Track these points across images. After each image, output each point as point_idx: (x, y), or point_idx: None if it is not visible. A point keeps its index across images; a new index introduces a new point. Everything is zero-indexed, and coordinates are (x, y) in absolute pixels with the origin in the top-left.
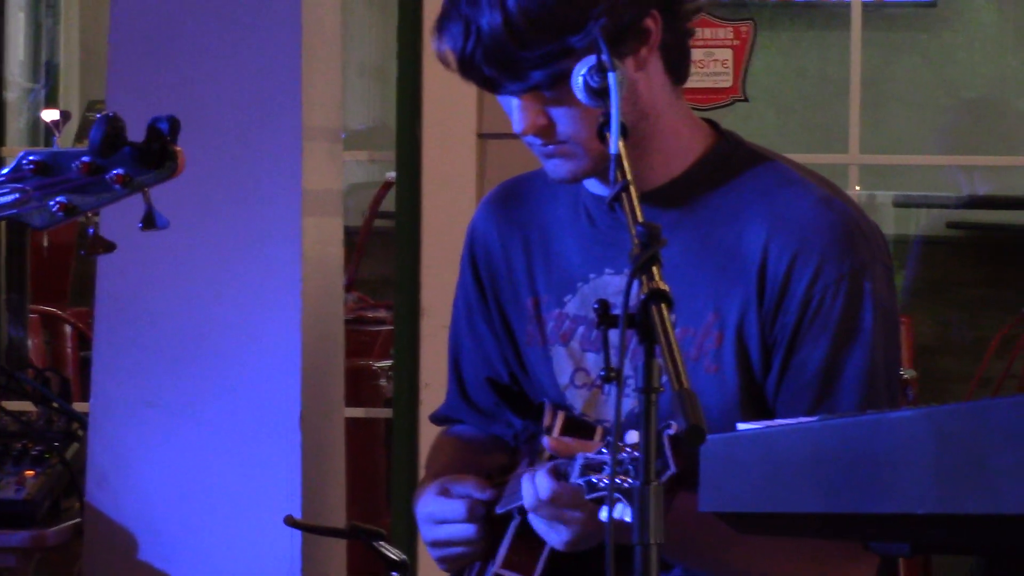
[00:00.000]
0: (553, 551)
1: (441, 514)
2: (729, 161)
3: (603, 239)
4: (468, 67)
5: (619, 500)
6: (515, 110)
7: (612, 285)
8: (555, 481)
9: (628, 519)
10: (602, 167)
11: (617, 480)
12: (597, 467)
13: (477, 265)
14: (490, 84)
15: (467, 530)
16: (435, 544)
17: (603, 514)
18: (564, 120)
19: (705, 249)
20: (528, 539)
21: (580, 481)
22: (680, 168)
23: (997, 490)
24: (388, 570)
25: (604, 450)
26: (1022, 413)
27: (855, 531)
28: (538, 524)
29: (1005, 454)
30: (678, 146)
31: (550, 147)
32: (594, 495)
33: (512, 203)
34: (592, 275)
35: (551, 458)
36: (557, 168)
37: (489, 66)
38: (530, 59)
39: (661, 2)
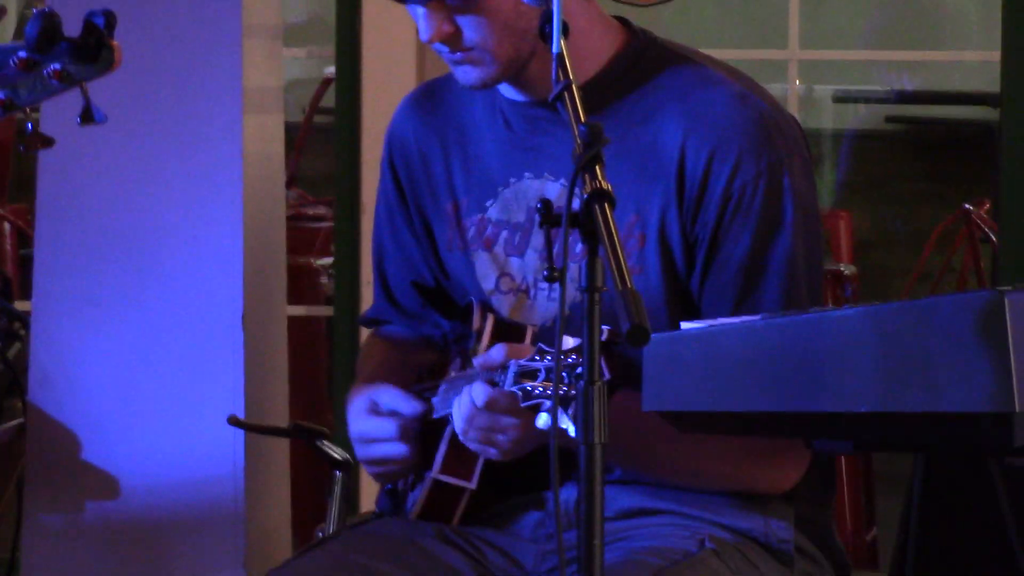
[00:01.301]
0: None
1: (372, 433)
2: (642, 60)
3: (521, 143)
4: None
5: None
6: (420, 19)
7: (532, 189)
8: (490, 388)
9: (564, 426)
10: (511, 73)
11: (553, 387)
12: (531, 374)
13: (396, 168)
14: None
15: (400, 449)
16: (369, 462)
17: (540, 420)
18: (470, 27)
19: (623, 150)
20: (461, 444)
21: (515, 389)
22: (593, 70)
23: (938, 388)
24: (331, 468)
25: (537, 357)
26: (962, 311)
27: (798, 430)
28: (471, 444)
29: (946, 352)
30: (589, 48)
31: (457, 54)
32: (530, 403)
33: (429, 106)
34: (512, 179)
35: (494, 360)
36: (466, 75)
37: None
38: None
39: None
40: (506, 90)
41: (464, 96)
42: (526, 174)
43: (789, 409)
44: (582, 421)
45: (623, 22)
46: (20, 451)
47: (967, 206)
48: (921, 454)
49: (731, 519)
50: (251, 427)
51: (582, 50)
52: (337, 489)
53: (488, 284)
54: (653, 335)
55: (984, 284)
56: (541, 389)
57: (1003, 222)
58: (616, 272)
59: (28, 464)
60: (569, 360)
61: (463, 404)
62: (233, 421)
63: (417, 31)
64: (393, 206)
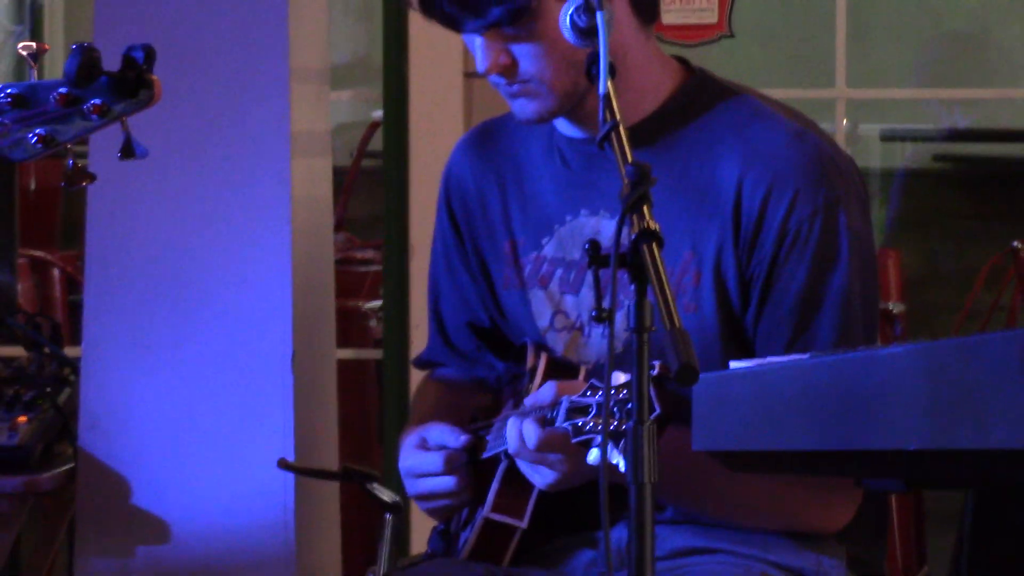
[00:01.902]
0: (542, 493)
1: (420, 467)
2: (700, 97)
3: (577, 180)
4: (428, 5)
5: (608, 443)
6: (478, 49)
7: (588, 227)
8: (540, 428)
9: (615, 461)
10: (568, 106)
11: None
12: (583, 410)
13: (453, 209)
14: (452, 23)
15: (447, 483)
16: (419, 498)
17: (591, 456)
18: (527, 58)
19: (680, 187)
20: (517, 482)
21: (566, 425)
22: (652, 106)
23: (988, 425)
24: (382, 511)
25: (589, 392)
26: (1012, 348)
27: (848, 468)
28: (523, 467)
29: (996, 389)
30: (649, 85)
31: (514, 86)
32: (580, 438)
33: (486, 145)
34: (568, 217)
35: (534, 407)
36: (523, 108)
37: (449, 3)
38: None
39: None
40: (563, 126)
41: (521, 135)
42: (583, 211)
43: (839, 448)
44: (632, 459)
45: (681, 61)
46: (70, 496)
47: (1016, 244)
48: (972, 492)
49: (784, 557)
50: (301, 470)
51: (641, 86)
52: (387, 532)
53: (543, 322)
54: (702, 374)
55: None
56: (592, 425)
57: None
58: (665, 312)
59: (78, 509)
60: (620, 396)
61: (511, 439)
62: (283, 464)
63: (463, 73)
64: (450, 246)
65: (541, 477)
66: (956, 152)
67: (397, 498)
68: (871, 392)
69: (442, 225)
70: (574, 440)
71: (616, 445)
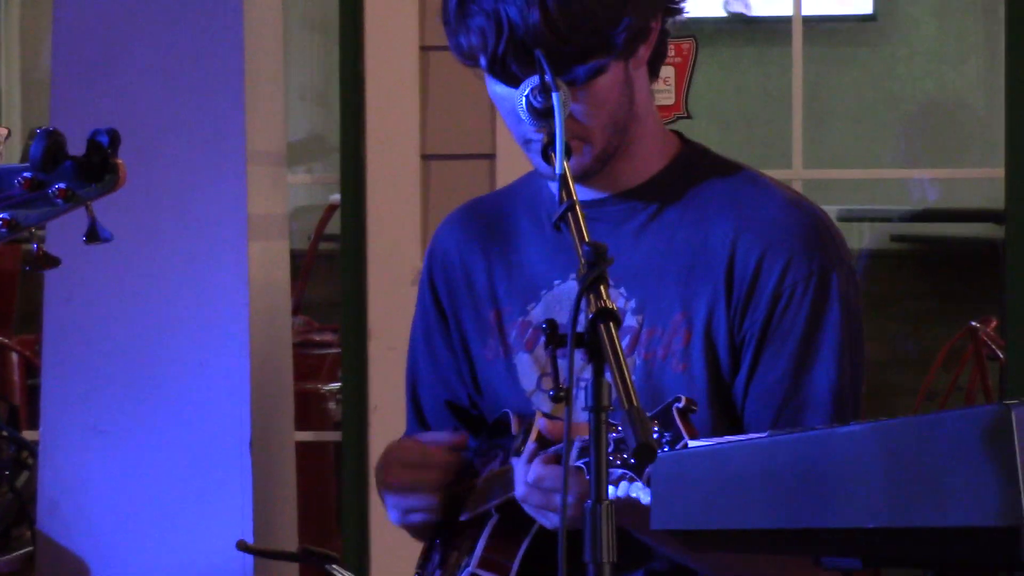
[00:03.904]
0: (528, 549)
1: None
2: (695, 166)
3: (568, 246)
4: (498, 64)
5: (626, 476)
6: (529, 98)
7: (575, 290)
8: (545, 468)
9: (635, 495)
10: (599, 167)
11: (618, 458)
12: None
13: (436, 286)
14: (514, 80)
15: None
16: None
17: (609, 491)
18: (580, 116)
19: (672, 251)
20: (504, 538)
21: (580, 463)
22: (651, 172)
23: (946, 503)
24: None
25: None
26: (969, 426)
27: (806, 546)
28: (530, 510)
29: (953, 467)
30: (655, 149)
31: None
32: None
33: (473, 221)
34: (557, 281)
35: (540, 445)
36: (545, 170)
37: (520, 63)
38: (570, 54)
39: (663, 3)
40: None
41: (508, 209)
42: (571, 275)
43: (796, 526)
44: (590, 539)
45: (677, 134)
46: None
47: (974, 324)
48: (931, 571)
49: None
50: (261, 552)
51: (651, 150)
52: None
53: (529, 384)
54: (662, 455)
55: (992, 401)
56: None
57: (1010, 340)
58: (622, 391)
59: None
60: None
61: (520, 481)
62: (242, 547)
63: (420, 155)
64: (431, 324)
65: (549, 520)
66: (914, 232)
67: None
68: (829, 470)
69: (424, 305)
70: (588, 476)
71: (639, 477)
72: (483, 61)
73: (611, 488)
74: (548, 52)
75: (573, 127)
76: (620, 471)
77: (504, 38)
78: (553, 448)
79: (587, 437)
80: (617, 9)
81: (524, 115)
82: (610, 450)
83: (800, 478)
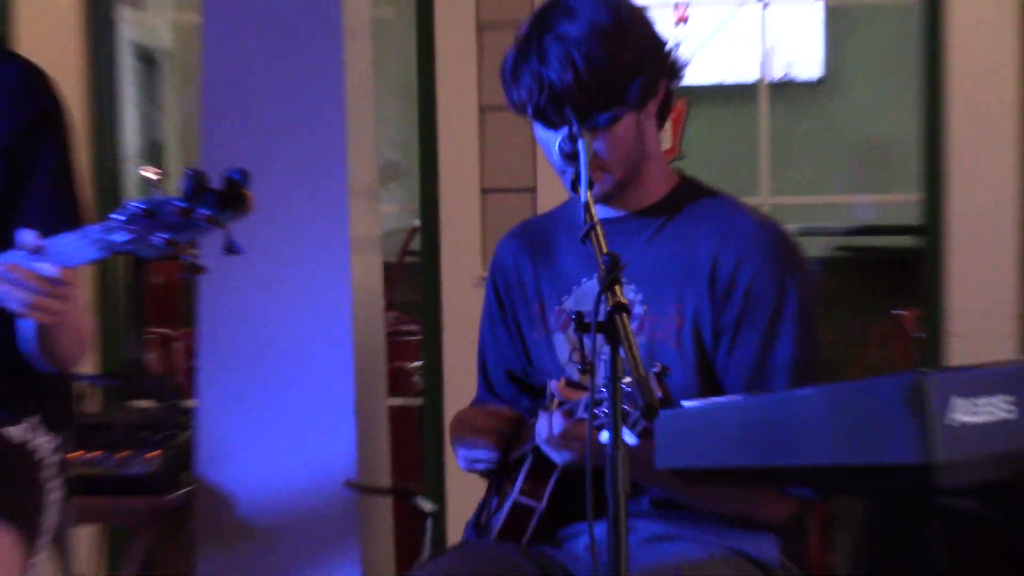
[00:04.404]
0: (557, 482)
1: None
2: (689, 193)
3: (592, 252)
4: (540, 113)
5: (628, 429)
6: (564, 147)
7: (581, 293)
8: (565, 419)
9: (627, 440)
10: (619, 191)
11: (608, 409)
12: (597, 403)
13: (497, 286)
14: (554, 125)
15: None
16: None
17: (603, 436)
18: (604, 150)
19: (671, 255)
20: (537, 474)
21: (583, 414)
22: (658, 196)
23: (878, 445)
24: (423, 519)
25: (603, 389)
26: (895, 389)
27: (773, 479)
28: (548, 450)
29: (883, 419)
30: (660, 180)
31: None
32: (597, 423)
33: (525, 236)
34: (584, 279)
35: (558, 404)
36: (577, 199)
37: (557, 112)
38: (594, 106)
39: (671, 70)
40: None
41: (548, 228)
42: (595, 275)
43: (765, 464)
44: (611, 476)
45: (677, 170)
46: (191, 512)
47: (899, 312)
48: (868, 499)
49: (734, 542)
50: (363, 488)
51: (657, 179)
52: (428, 533)
53: (563, 357)
54: (663, 412)
55: (912, 371)
56: (602, 416)
57: (927, 326)
58: (633, 364)
59: (197, 522)
60: (629, 389)
61: (541, 430)
62: (349, 484)
63: (480, 190)
64: (495, 315)
65: (561, 457)
66: (854, 244)
67: (435, 507)
68: (790, 422)
69: (488, 301)
70: (595, 424)
71: (630, 427)
72: (529, 110)
73: (605, 433)
74: (577, 104)
75: (596, 160)
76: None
77: (545, 94)
78: (564, 406)
79: (600, 393)
80: (631, 73)
81: (556, 157)
82: (606, 407)
83: (768, 428)
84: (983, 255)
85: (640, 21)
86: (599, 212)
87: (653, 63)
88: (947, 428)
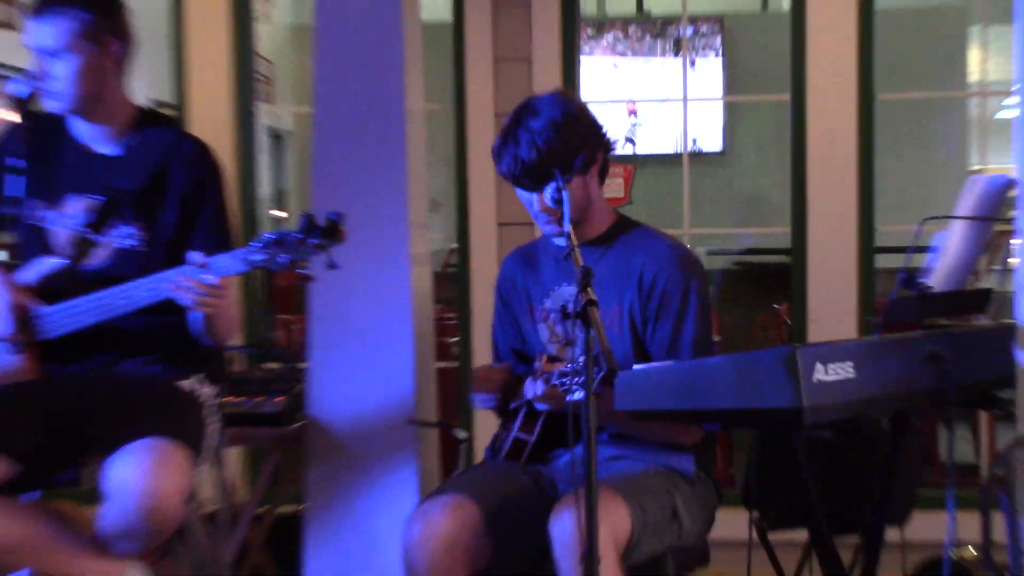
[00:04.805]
0: (545, 423)
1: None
2: (624, 225)
3: (562, 268)
4: (515, 181)
5: (577, 390)
6: (535, 201)
7: (568, 291)
8: (545, 384)
9: (577, 397)
10: (572, 230)
11: (577, 381)
12: (564, 375)
13: (502, 291)
14: (526, 187)
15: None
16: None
17: (574, 397)
18: (562, 204)
19: (614, 271)
20: (529, 417)
21: (556, 382)
22: (604, 228)
23: (765, 395)
24: (458, 444)
25: (568, 367)
26: (776, 357)
27: (692, 417)
28: (535, 404)
29: (769, 377)
30: (603, 219)
31: (550, 219)
32: (564, 388)
33: (522, 257)
34: (557, 287)
35: (540, 374)
36: (553, 230)
37: (527, 179)
38: (549, 174)
39: (605, 147)
40: (559, 241)
41: (537, 251)
42: (564, 283)
43: (688, 407)
44: (585, 414)
45: (614, 209)
46: (305, 440)
47: (776, 306)
48: (758, 430)
49: (665, 460)
50: (419, 423)
51: (599, 218)
52: (463, 453)
53: (544, 338)
54: (620, 372)
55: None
56: (568, 382)
57: (795, 315)
58: (601, 340)
59: (309, 445)
60: (580, 370)
61: (528, 391)
62: (410, 420)
63: (497, 223)
64: (501, 311)
65: (542, 407)
66: (745, 260)
67: (467, 435)
68: (706, 379)
69: (497, 301)
70: (561, 388)
71: (581, 389)
72: (510, 179)
73: (575, 396)
74: (538, 172)
75: (555, 209)
76: (566, 384)
77: (519, 168)
78: (543, 375)
79: (566, 367)
80: (574, 151)
81: (536, 207)
82: (568, 378)
83: (690, 383)
84: (831, 268)
85: (583, 115)
86: (561, 242)
87: (592, 143)
88: (811, 384)
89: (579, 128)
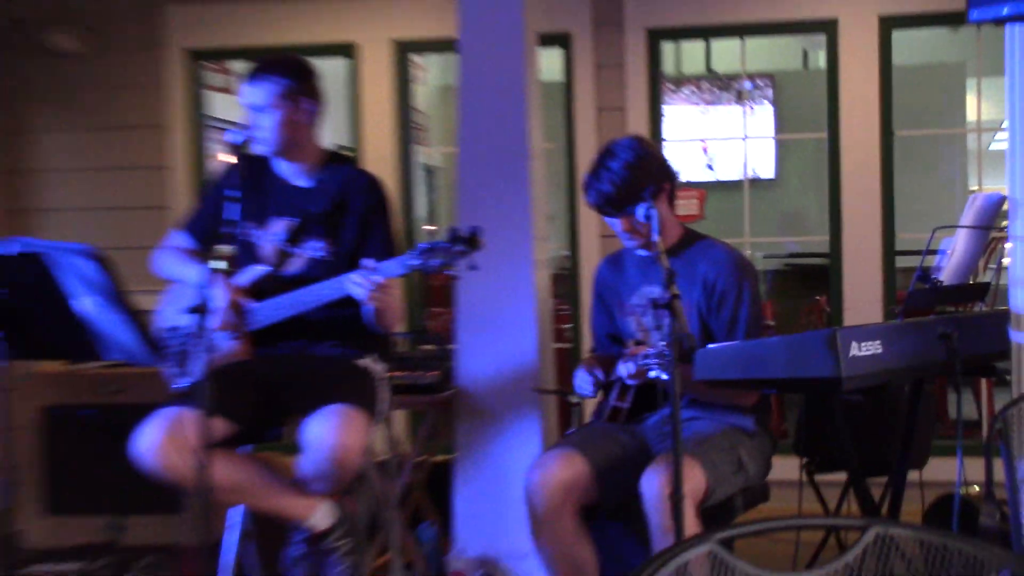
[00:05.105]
0: (635, 392)
1: (578, 380)
2: (690, 237)
3: (645, 271)
4: (599, 209)
5: (656, 369)
6: (618, 223)
7: (649, 290)
8: (632, 363)
9: (660, 376)
10: (647, 244)
11: (658, 361)
12: (648, 356)
13: (598, 289)
14: (607, 214)
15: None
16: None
17: (652, 374)
18: (637, 222)
19: (683, 274)
20: (623, 389)
21: (642, 362)
22: (674, 240)
23: (810, 366)
24: (571, 408)
25: (651, 350)
26: (821, 337)
27: (754, 385)
28: (626, 380)
29: (815, 353)
30: (671, 232)
31: (632, 236)
32: (647, 367)
33: (613, 262)
34: (639, 287)
35: (630, 355)
36: (634, 245)
37: (608, 208)
38: (625, 203)
39: (671, 178)
40: (639, 252)
41: (625, 258)
42: (646, 285)
43: (750, 377)
44: (672, 384)
45: (681, 223)
46: (455, 403)
47: (817, 298)
48: (805, 394)
49: (731, 419)
50: (541, 390)
51: (671, 232)
52: (574, 415)
53: (631, 328)
54: (697, 351)
55: None
56: (650, 361)
57: (832, 305)
58: (682, 327)
59: (458, 407)
60: (663, 354)
61: (622, 370)
62: (534, 388)
63: (600, 235)
64: (597, 304)
65: (633, 383)
66: (793, 263)
67: (578, 400)
68: (764, 354)
69: (594, 297)
70: (646, 367)
71: (663, 370)
72: (595, 208)
73: (654, 373)
74: (616, 203)
75: (635, 228)
76: (651, 362)
77: (601, 199)
78: (632, 357)
79: (649, 351)
80: (643, 185)
81: (619, 228)
82: (652, 360)
83: (752, 358)
84: (861, 268)
85: (652, 155)
86: (642, 252)
87: (659, 176)
88: (848, 358)
89: (648, 166)
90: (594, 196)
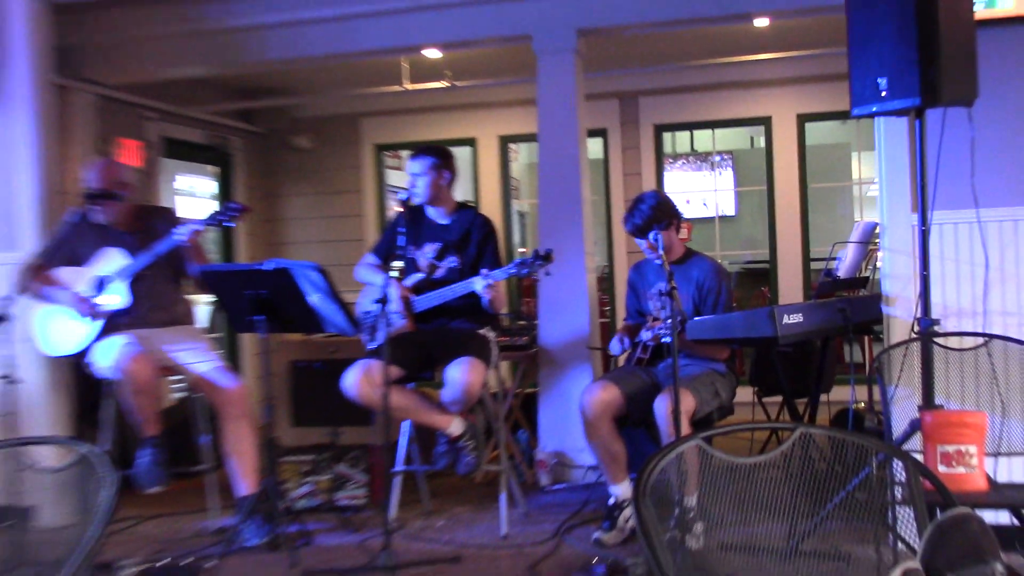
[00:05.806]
0: (653, 349)
1: (614, 343)
2: (690, 253)
3: (657, 275)
4: (633, 234)
5: (665, 335)
6: (643, 243)
7: (658, 287)
8: (650, 331)
9: (666, 340)
10: (662, 258)
11: (665, 329)
12: (661, 327)
13: (631, 283)
14: (638, 236)
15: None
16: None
17: (662, 338)
18: (660, 243)
19: (683, 277)
20: (645, 347)
21: (656, 331)
22: (678, 255)
23: (758, 328)
24: (610, 358)
25: (661, 325)
26: (764, 312)
27: (725, 343)
28: (646, 341)
29: (759, 322)
30: (677, 250)
31: (653, 251)
32: (660, 333)
33: (637, 268)
34: (654, 284)
35: (650, 326)
36: (653, 257)
37: (638, 233)
38: (648, 230)
39: (677, 216)
40: (656, 261)
41: (646, 266)
42: (658, 282)
43: (723, 337)
44: (672, 344)
45: (684, 244)
46: (538, 356)
47: (762, 288)
48: (756, 348)
49: (711, 365)
50: (591, 347)
51: (675, 251)
52: (612, 362)
53: (650, 309)
54: (688, 322)
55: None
56: (663, 330)
57: (771, 293)
58: (680, 309)
59: (539, 358)
60: (669, 325)
61: (644, 336)
62: (587, 346)
63: (627, 253)
64: (630, 293)
65: (651, 344)
66: (748, 267)
67: (617, 353)
68: (730, 324)
69: (628, 287)
70: (659, 333)
71: (669, 335)
72: (631, 232)
73: (665, 336)
74: (643, 230)
75: (658, 247)
76: (662, 331)
77: (634, 228)
78: (650, 327)
79: (661, 324)
80: (660, 219)
81: (653, 241)
82: (663, 328)
83: (723, 323)
84: (789, 270)
85: (665, 201)
86: (658, 262)
87: (669, 215)
88: (782, 324)
89: (662, 208)
90: (630, 226)
